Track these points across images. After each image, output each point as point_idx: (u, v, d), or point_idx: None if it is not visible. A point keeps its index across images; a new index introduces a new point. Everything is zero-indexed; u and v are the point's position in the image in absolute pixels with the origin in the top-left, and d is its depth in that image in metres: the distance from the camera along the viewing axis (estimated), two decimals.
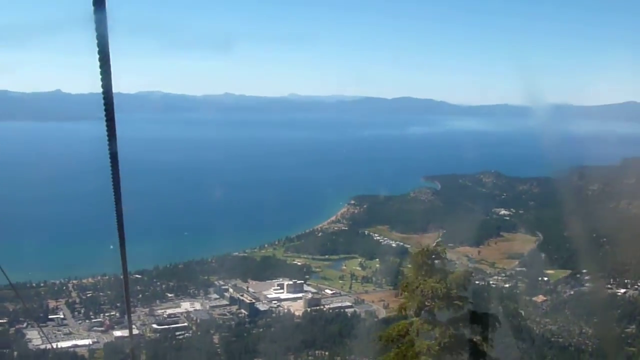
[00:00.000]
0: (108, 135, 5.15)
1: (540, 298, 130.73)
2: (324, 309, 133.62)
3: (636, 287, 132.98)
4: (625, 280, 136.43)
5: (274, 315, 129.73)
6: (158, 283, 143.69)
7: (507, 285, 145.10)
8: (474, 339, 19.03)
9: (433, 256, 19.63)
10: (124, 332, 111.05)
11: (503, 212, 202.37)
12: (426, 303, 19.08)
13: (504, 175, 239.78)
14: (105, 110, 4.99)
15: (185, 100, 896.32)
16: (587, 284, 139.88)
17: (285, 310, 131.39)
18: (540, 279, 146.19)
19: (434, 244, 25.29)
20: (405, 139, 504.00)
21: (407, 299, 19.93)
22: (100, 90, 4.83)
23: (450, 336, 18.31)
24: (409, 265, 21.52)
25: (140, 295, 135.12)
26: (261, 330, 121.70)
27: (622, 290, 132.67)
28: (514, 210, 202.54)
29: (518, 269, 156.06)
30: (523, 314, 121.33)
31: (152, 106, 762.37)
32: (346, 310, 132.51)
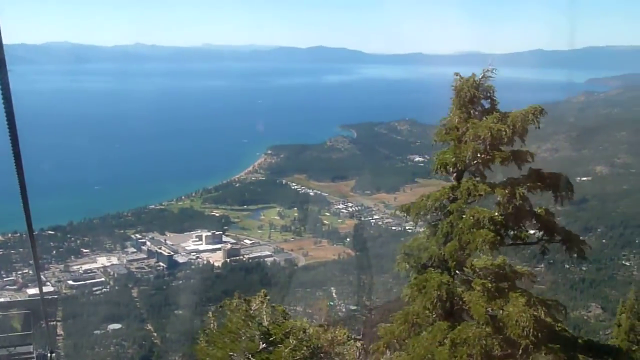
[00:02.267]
0: (2, 91, 4.73)
1: None
2: (244, 258, 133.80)
3: None
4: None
5: (193, 267, 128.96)
6: (72, 239, 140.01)
7: (422, 230, 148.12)
8: (537, 210, 14.64)
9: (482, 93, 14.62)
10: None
11: (418, 158, 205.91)
12: (479, 155, 14.13)
13: (418, 122, 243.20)
14: None
15: (95, 51, 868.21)
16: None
17: (205, 262, 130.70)
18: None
19: (481, 76, 14.17)
20: (321, 87, 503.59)
21: (446, 153, 14.59)
22: None
23: (521, 199, 13.80)
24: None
25: (55, 252, 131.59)
26: (181, 282, 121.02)
27: (532, 231, 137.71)
28: (428, 157, 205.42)
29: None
30: None
31: (60, 57, 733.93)
32: (266, 259, 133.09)
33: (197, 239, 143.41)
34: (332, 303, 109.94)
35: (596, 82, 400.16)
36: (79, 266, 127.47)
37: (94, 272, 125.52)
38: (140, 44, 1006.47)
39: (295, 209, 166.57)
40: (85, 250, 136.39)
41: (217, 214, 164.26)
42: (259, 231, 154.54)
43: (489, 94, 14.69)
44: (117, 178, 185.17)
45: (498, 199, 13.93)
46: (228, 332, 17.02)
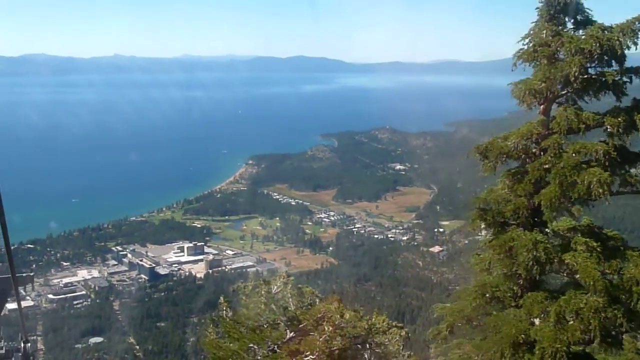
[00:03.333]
0: None
1: (436, 248, 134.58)
2: (226, 269, 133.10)
3: None
4: None
5: (175, 278, 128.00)
6: (52, 252, 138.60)
7: (405, 238, 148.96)
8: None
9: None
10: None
11: (399, 166, 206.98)
12: (580, 77, 11.22)
13: (398, 130, 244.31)
14: None
15: (73, 63, 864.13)
16: (481, 233, 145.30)
17: (187, 273, 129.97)
18: (436, 230, 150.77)
19: None
20: (301, 97, 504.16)
21: (535, 77, 11.88)
22: None
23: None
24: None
25: (34, 265, 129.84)
26: (163, 294, 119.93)
27: None
28: (409, 165, 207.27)
29: (415, 221, 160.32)
30: (421, 264, 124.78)
31: (37, 69, 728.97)
32: (248, 269, 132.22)
33: (179, 251, 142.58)
34: None
35: None
36: (59, 280, 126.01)
37: (75, 285, 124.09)
38: (118, 56, 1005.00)
39: (277, 218, 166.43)
40: (65, 264, 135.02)
41: (199, 225, 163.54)
42: (241, 241, 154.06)
43: (581, 4, 11.77)
44: (98, 190, 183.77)
45: (608, 129, 11.30)
46: (246, 320, 14.25)
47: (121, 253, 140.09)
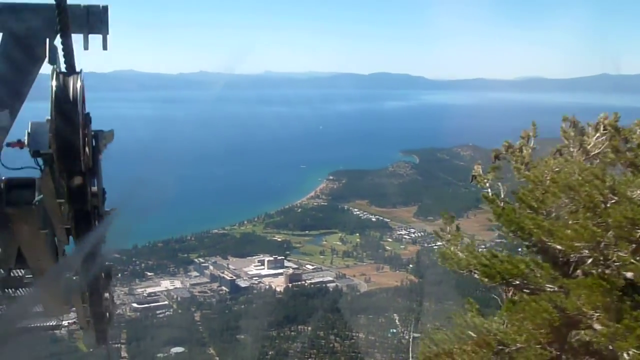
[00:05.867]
0: None
1: None
2: (305, 284, 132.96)
3: None
4: None
5: (255, 291, 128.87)
6: (137, 262, 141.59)
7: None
8: None
9: None
10: None
11: None
12: None
13: (481, 147, 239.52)
14: None
15: (160, 79, 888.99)
16: None
17: (267, 287, 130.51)
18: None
19: None
20: (383, 113, 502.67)
21: None
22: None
23: None
24: None
25: (119, 275, 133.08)
26: (242, 306, 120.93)
27: None
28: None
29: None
30: None
31: (126, 85, 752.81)
32: (328, 285, 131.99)
33: (259, 264, 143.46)
34: (394, 330, 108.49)
35: None
36: (143, 289, 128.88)
37: (158, 295, 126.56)
38: (204, 72, 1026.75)
39: (357, 234, 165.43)
40: (149, 274, 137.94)
41: (279, 239, 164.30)
42: (321, 256, 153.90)
43: None
44: (180, 202, 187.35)
45: None
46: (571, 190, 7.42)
47: (203, 265, 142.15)
